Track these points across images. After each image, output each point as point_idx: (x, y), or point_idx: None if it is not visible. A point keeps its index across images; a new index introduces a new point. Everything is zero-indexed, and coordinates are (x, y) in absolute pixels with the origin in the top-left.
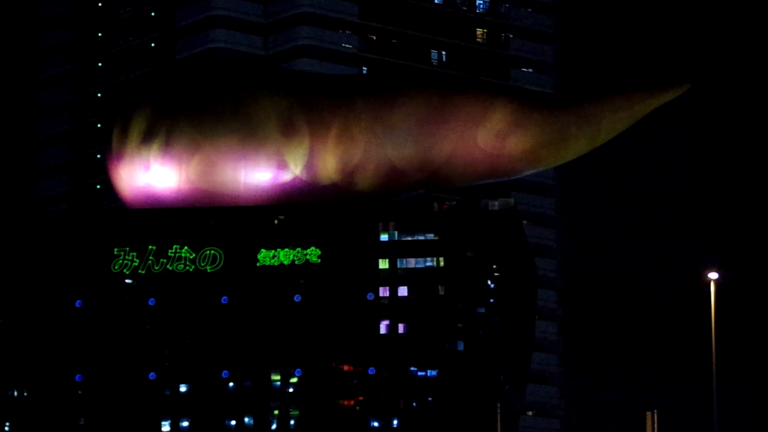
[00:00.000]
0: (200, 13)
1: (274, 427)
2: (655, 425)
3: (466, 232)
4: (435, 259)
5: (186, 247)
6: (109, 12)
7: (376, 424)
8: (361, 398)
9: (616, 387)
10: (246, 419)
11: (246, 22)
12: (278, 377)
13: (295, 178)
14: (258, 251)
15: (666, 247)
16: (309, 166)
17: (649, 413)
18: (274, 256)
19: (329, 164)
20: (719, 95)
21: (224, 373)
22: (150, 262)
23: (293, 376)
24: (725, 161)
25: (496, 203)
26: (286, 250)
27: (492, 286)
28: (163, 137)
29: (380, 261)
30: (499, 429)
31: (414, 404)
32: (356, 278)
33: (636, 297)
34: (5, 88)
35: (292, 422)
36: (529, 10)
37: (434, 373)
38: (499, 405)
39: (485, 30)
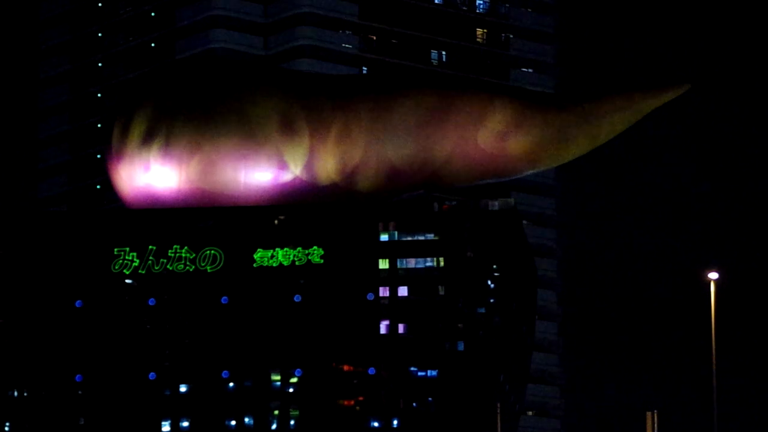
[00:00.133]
0: (200, 13)
1: (274, 427)
2: (655, 425)
3: (466, 232)
4: (435, 259)
5: (186, 247)
6: (109, 12)
7: (376, 424)
8: (361, 398)
9: (616, 387)
10: (246, 419)
11: (246, 22)
12: (278, 377)
13: (295, 178)
14: (256, 251)
15: (666, 247)
16: (309, 166)
17: (649, 413)
18: (272, 255)
19: (329, 164)
20: (719, 95)
21: (224, 373)
22: (150, 262)
23: (293, 376)
24: (725, 161)
25: (496, 203)
26: (285, 249)
27: (492, 286)
28: (164, 137)
29: (380, 261)
30: (499, 429)
31: (414, 404)
32: (356, 278)
33: (636, 297)
34: (5, 88)
35: (292, 422)
36: (529, 10)
37: (434, 373)
38: (499, 405)
39: (485, 30)
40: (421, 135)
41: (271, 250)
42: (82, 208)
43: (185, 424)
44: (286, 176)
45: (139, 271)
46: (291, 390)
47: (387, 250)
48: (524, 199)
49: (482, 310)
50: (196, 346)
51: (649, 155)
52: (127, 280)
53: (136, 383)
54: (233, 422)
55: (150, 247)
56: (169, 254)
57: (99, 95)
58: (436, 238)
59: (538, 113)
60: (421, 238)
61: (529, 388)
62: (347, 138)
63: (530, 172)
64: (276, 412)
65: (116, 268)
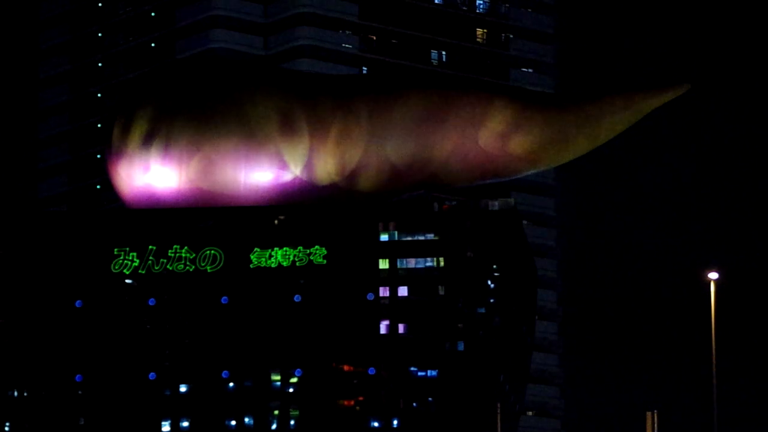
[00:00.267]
0: (200, 13)
1: (274, 427)
2: (655, 425)
3: (466, 232)
4: (435, 259)
5: (186, 247)
6: (109, 12)
7: (376, 424)
8: (361, 398)
9: (616, 387)
10: (246, 419)
11: (246, 22)
12: (278, 377)
13: (295, 178)
14: (253, 251)
15: (666, 247)
16: (309, 166)
17: (649, 413)
18: (270, 256)
19: (329, 164)
20: (719, 95)
21: (224, 373)
22: (150, 262)
23: (293, 376)
24: (725, 161)
25: (496, 203)
26: (285, 249)
27: (492, 286)
28: (164, 137)
29: (380, 261)
30: (499, 429)
31: (414, 404)
32: (356, 278)
33: (636, 297)
34: (5, 88)
35: (292, 422)
36: (529, 10)
37: (434, 373)
38: (499, 405)
39: (485, 30)
40: (421, 135)
41: (269, 250)
42: (82, 208)
43: (185, 424)
44: (286, 176)
45: (139, 271)
46: (291, 390)
47: (387, 250)
48: (524, 199)
49: (482, 310)
50: (196, 346)
51: (649, 155)
52: (127, 280)
53: (136, 383)
54: (233, 422)
55: (150, 247)
56: (169, 254)
57: (99, 95)
58: (436, 238)
59: (538, 113)
60: (421, 238)
61: (529, 388)
62: (347, 138)
63: (530, 172)
64: (276, 412)
65: (116, 268)
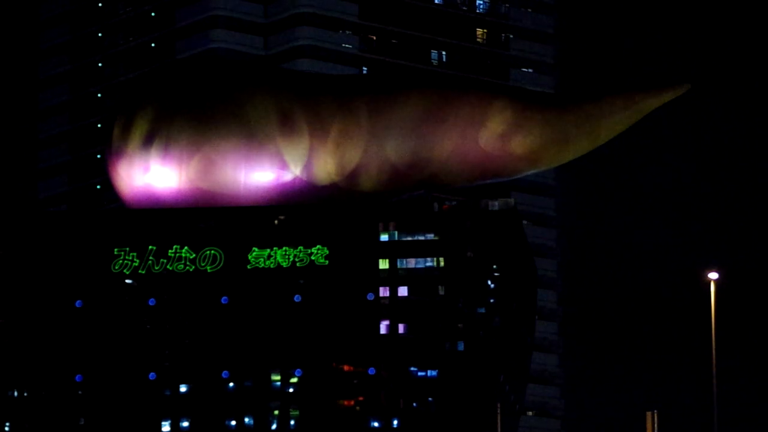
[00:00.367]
0: (200, 13)
1: (274, 427)
2: (655, 425)
3: (466, 232)
4: (435, 259)
5: (186, 247)
6: (109, 12)
7: (376, 424)
8: (361, 398)
9: (616, 387)
10: (246, 419)
11: (246, 22)
12: (278, 377)
13: (295, 179)
14: (254, 251)
15: (666, 247)
16: (309, 166)
17: (649, 413)
18: (269, 255)
19: (329, 164)
20: (719, 95)
21: (224, 373)
22: (150, 262)
23: (293, 376)
24: (726, 161)
25: (496, 203)
26: (285, 248)
27: (492, 286)
28: (164, 137)
29: (380, 261)
30: (499, 429)
31: (414, 404)
32: (356, 278)
33: (636, 297)
34: (5, 88)
35: (292, 422)
36: (529, 10)
37: (434, 373)
38: (499, 405)
39: (485, 30)
40: (421, 135)
41: (269, 250)
42: (82, 208)
43: (185, 424)
44: (286, 176)
45: (139, 271)
46: (291, 390)
47: (387, 250)
48: (524, 199)
49: (482, 310)
50: (196, 346)
51: (649, 155)
52: (127, 280)
53: (136, 383)
54: (233, 422)
55: (150, 247)
56: (169, 254)
57: (99, 95)
58: (436, 238)
59: (539, 113)
60: (421, 238)
61: (529, 388)
62: (347, 138)
63: (530, 172)
64: (276, 412)
65: (116, 268)
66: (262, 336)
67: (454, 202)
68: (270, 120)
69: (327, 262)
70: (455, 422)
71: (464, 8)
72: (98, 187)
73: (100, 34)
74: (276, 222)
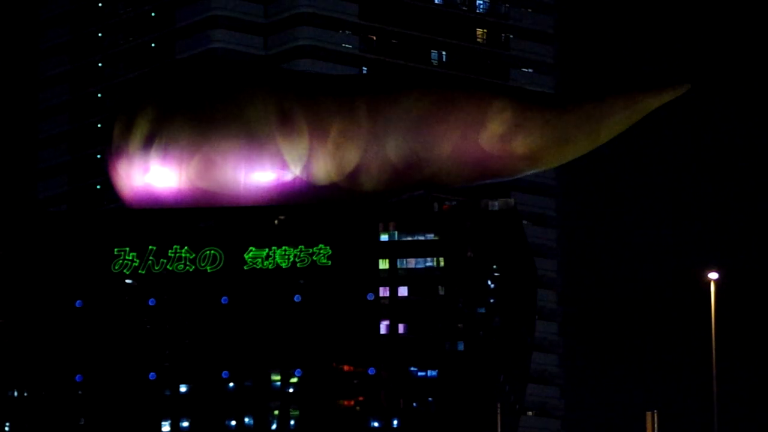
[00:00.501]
0: (200, 13)
1: (274, 427)
2: (655, 425)
3: (466, 232)
4: (435, 259)
5: (186, 247)
6: (109, 12)
7: (376, 424)
8: (361, 398)
9: (616, 387)
10: (246, 419)
11: (246, 22)
12: (278, 377)
13: (295, 179)
14: (251, 251)
15: (666, 247)
16: (309, 166)
17: (649, 413)
18: (268, 255)
19: (329, 164)
20: (719, 95)
21: (224, 373)
22: (150, 262)
23: (293, 376)
24: (726, 161)
25: (496, 203)
26: (284, 248)
27: (492, 286)
28: (164, 137)
29: (380, 261)
30: (499, 429)
31: (414, 404)
32: (356, 278)
33: (636, 297)
34: (5, 88)
35: (292, 422)
36: (529, 10)
37: (434, 373)
38: (499, 405)
39: (485, 30)
40: (421, 135)
41: (267, 250)
42: (82, 208)
43: (185, 424)
44: (286, 176)
45: (139, 271)
46: (291, 390)
47: (387, 250)
48: (524, 199)
49: (482, 310)
50: (196, 346)
51: (649, 155)
52: (127, 280)
53: (136, 383)
54: (233, 422)
55: (150, 247)
56: (169, 254)
57: (99, 95)
58: (436, 238)
59: (539, 114)
60: (421, 238)
61: (529, 388)
62: (347, 138)
63: (531, 172)
64: (276, 412)
65: (116, 268)
66: (262, 336)
67: (454, 202)
68: (270, 120)
69: (329, 262)
70: (455, 422)
71: (464, 8)
72: (98, 187)
73: (100, 34)
74: (276, 222)
